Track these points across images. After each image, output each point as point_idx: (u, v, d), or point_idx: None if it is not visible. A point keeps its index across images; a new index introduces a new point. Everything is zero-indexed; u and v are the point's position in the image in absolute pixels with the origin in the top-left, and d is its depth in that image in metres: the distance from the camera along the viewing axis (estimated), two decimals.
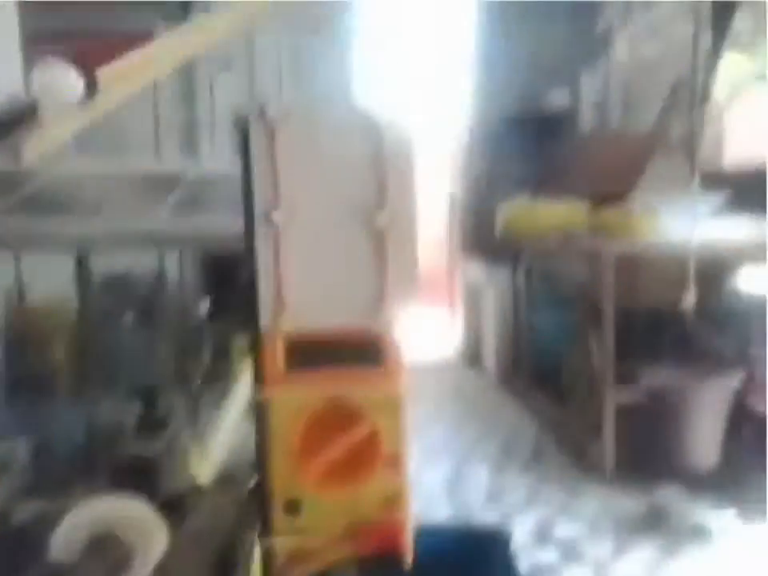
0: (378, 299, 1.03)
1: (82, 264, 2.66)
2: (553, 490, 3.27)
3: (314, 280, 1.04)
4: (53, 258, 2.70)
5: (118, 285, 3.64)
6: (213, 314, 3.63)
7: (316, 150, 1.04)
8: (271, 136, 1.02)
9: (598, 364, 3.44)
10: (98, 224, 2.06)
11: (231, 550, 1.04)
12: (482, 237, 5.36)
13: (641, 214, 3.47)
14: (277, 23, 5.08)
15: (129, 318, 3.42)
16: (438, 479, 3.43)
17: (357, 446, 0.99)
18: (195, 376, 2.56)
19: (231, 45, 5.06)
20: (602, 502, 3.12)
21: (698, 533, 2.79)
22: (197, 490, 1.18)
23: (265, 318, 1.03)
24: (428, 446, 3.75)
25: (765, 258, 2.94)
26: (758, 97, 3.51)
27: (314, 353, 1.03)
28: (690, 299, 2.80)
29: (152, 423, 1.30)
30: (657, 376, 3.03)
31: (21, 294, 3.38)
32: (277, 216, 1.03)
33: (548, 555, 2.70)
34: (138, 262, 3.88)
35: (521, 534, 2.79)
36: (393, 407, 1.02)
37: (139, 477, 1.07)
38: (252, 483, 1.03)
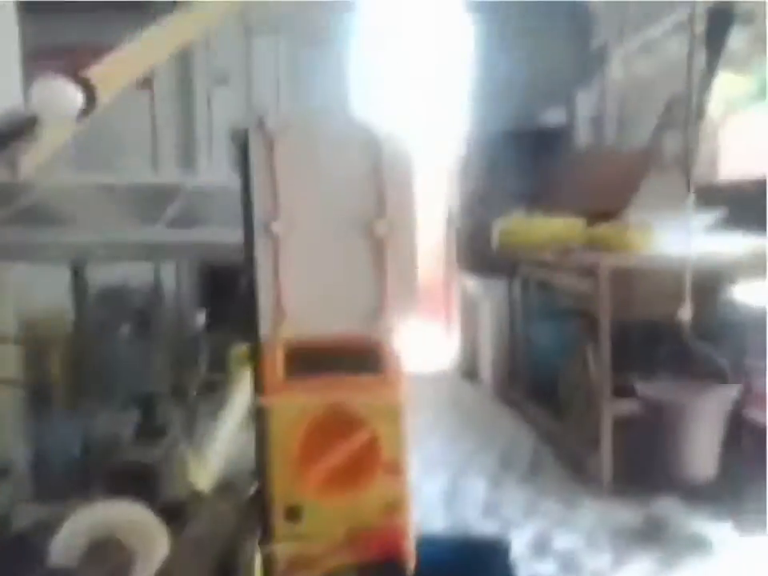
0: (378, 307, 1.03)
1: (78, 275, 2.67)
2: (551, 503, 3.26)
3: (314, 289, 1.05)
4: (48, 269, 2.71)
5: (115, 296, 3.64)
6: (209, 326, 3.63)
7: (315, 160, 1.05)
8: (270, 146, 1.03)
9: (594, 376, 3.45)
10: (95, 235, 2.07)
11: (231, 556, 1.03)
12: (478, 250, 5.39)
13: (636, 228, 3.50)
14: (274, 35, 5.13)
15: (125, 329, 3.42)
16: (435, 491, 3.42)
17: (357, 452, 0.99)
18: (191, 387, 2.56)
19: (228, 58, 5.11)
20: (600, 514, 3.11)
21: (697, 545, 2.79)
22: (196, 497, 1.18)
23: (265, 327, 1.04)
24: (424, 459, 3.75)
25: (760, 273, 2.96)
26: (753, 115, 3.54)
27: (314, 360, 1.04)
28: (686, 312, 2.81)
29: (151, 430, 1.30)
30: (654, 388, 3.04)
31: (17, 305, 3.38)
32: (276, 226, 1.04)
33: (546, 567, 2.70)
34: (134, 274, 3.89)
35: (519, 547, 2.78)
36: (393, 414, 1.03)
37: (138, 483, 1.07)
38: (252, 490, 1.03)
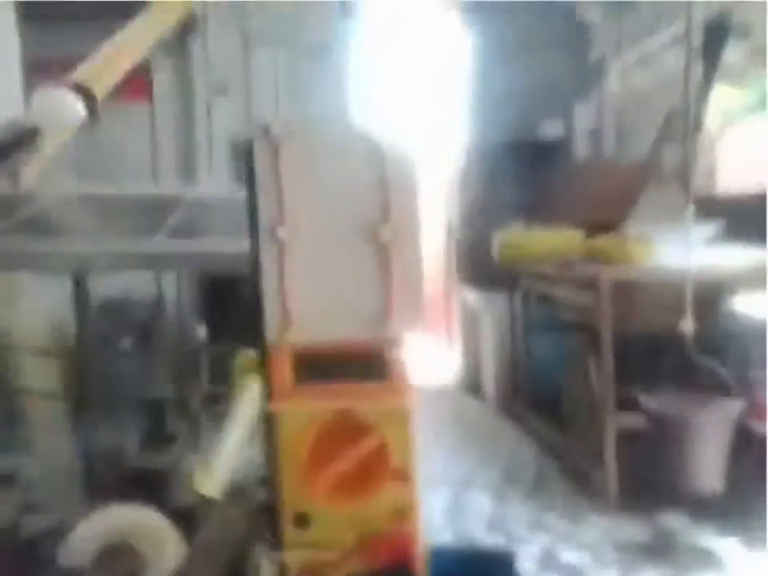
0: (383, 312, 1.03)
1: (79, 287, 2.67)
2: (556, 518, 3.23)
3: (320, 294, 1.04)
4: (51, 281, 2.70)
5: (116, 309, 3.63)
6: (210, 337, 3.62)
7: (320, 166, 1.05)
8: (275, 153, 1.03)
9: (597, 390, 3.43)
10: (97, 245, 2.07)
11: (241, 562, 1.02)
12: (478, 263, 5.39)
13: (636, 240, 3.50)
14: (273, 47, 5.16)
15: (127, 342, 3.41)
16: (438, 507, 3.39)
17: (365, 458, 0.99)
18: (194, 400, 2.55)
19: (227, 70, 5.14)
20: (606, 528, 3.08)
21: (704, 559, 2.76)
22: (206, 504, 1.17)
23: (271, 331, 1.03)
24: (427, 474, 3.71)
25: (760, 284, 2.96)
26: (750, 128, 3.56)
27: (321, 367, 1.03)
28: (687, 324, 2.81)
29: (159, 437, 1.29)
30: (657, 401, 3.02)
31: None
32: (282, 232, 1.04)
33: None
34: (136, 287, 3.89)
35: (525, 563, 2.75)
36: (401, 420, 1.02)
37: (147, 489, 1.06)
38: (262, 497, 1.02)
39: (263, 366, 1.03)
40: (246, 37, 5.13)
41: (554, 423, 4.09)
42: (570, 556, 2.86)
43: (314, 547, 0.98)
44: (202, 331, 3.65)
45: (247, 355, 2.10)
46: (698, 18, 3.19)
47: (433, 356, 6.04)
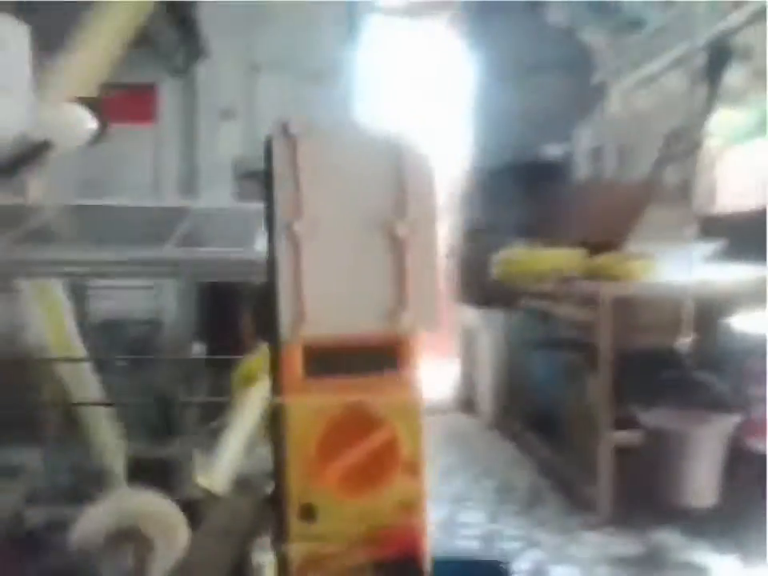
0: (398, 307, 1.04)
1: (78, 304, 2.67)
2: (550, 534, 3.22)
3: (334, 288, 1.05)
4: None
5: (114, 327, 3.64)
6: (209, 355, 3.61)
7: (337, 162, 1.06)
8: (293, 148, 1.05)
9: (594, 406, 3.43)
10: (105, 253, 2.08)
11: (246, 555, 1.02)
12: (476, 281, 5.41)
13: (637, 258, 3.52)
14: (279, 72, 5.19)
15: (123, 360, 3.41)
16: (433, 523, 3.37)
17: (376, 451, 0.99)
18: (192, 418, 2.53)
19: (233, 94, 5.16)
20: (600, 544, 3.07)
21: (698, 575, 2.75)
22: (211, 496, 1.17)
23: (285, 326, 1.04)
24: None
25: (760, 302, 2.98)
26: (750, 149, 3.61)
27: (331, 360, 1.04)
28: (686, 341, 2.82)
29: (167, 429, 1.29)
30: (656, 417, 3.03)
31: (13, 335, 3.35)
32: (298, 226, 1.05)
33: None
34: (134, 306, 3.89)
35: None
36: (412, 413, 1.02)
37: (154, 478, 1.06)
38: (268, 490, 1.02)
39: (274, 361, 1.03)
40: (251, 61, 5.17)
41: (548, 440, 4.08)
42: (562, 571, 2.85)
43: (320, 540, 0.98)
44: (200, 349, 3.66)
45: (247, 364, 2.11)
46: (701, 41, 3.24)
47: (430, 374, 6.02)
